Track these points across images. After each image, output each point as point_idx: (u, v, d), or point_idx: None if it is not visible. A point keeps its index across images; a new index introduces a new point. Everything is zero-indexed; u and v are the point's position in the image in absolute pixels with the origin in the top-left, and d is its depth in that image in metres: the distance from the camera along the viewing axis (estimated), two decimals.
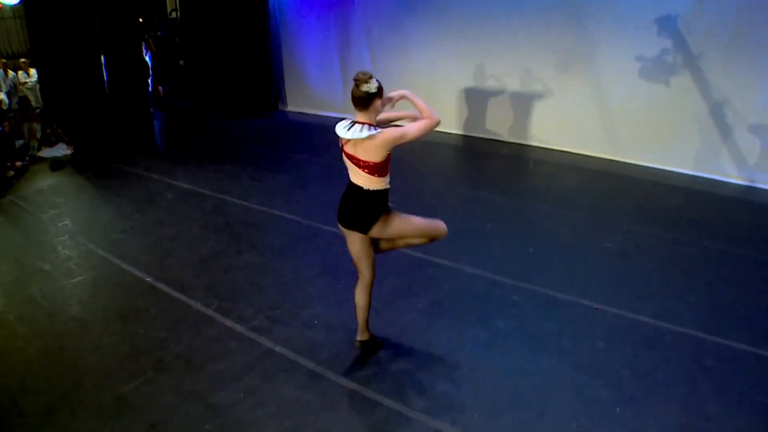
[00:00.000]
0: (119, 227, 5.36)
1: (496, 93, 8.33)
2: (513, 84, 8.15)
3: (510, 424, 3.17)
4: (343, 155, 3.36)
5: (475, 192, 6.48)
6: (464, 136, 8.63)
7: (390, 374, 3.55)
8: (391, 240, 3.61)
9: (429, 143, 8.28)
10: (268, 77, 9.28)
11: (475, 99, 8.48)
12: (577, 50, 7.69)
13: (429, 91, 8.56)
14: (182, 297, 4.27)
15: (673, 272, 4.81)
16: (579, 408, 3.30)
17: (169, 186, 6.32)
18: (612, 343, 3.85)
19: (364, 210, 3.37)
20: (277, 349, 3.74)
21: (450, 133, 8.67)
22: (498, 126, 8.45)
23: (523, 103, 8.21)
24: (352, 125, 3.24)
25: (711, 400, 3.35)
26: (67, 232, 5.33)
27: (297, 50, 9.32)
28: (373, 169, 3.28)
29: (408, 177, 6.85)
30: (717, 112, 6.98)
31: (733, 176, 7.07)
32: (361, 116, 3.27)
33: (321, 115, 9.43)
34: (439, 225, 3.56)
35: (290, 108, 9.74)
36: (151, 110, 9.17)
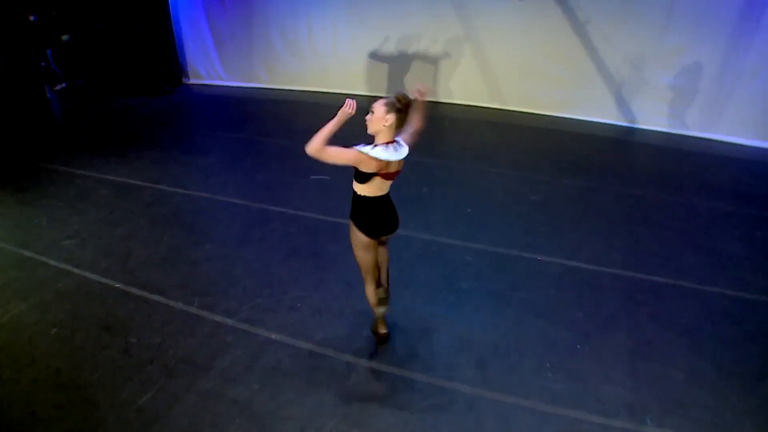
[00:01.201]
0: (63, 233, 5.18)
1: (402, 54, 8.63)
2: (420, 44, 8.46)
3: (498, 373, 3.69)
4: (387, 176, 3.47)
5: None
6: (374, 97, 8.85)
7: (386, 346, 3.95)
8: None
9: (338, 107, 8.48)
10: (169, 48, 8.87)
11: (383, 61, 8.73)
12: (483, 6, 8.12)
13: (334, 55, 8.71)
14: (161, 299, 4.35)
15: (595, 219, 5.54)
16: (547, 350, 3.90)
17: (98, 181, 6.11)
18: (561, 290, 4.49)
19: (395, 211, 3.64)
20: (273, 336, 4.00)
21: (361, 95, 8.90)
22: (407, 85, 8.79)
23: (431, 61, 8.59)
24: (390, 146, 3.39)
25: (647, 327, 4.08)
26: (3, 248, 5.09)
27: (198, 17, 8.96)
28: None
29: (334, 144, 7.08)
30: (619, 63, 7.77)
31: (641, 122, 7.98)
32: (396, 134, 3.41)
33: (228, 86, 9.26)
34: None
35: (194, 81, 9.44)
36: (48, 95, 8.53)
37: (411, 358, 3.84)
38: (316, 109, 8.41)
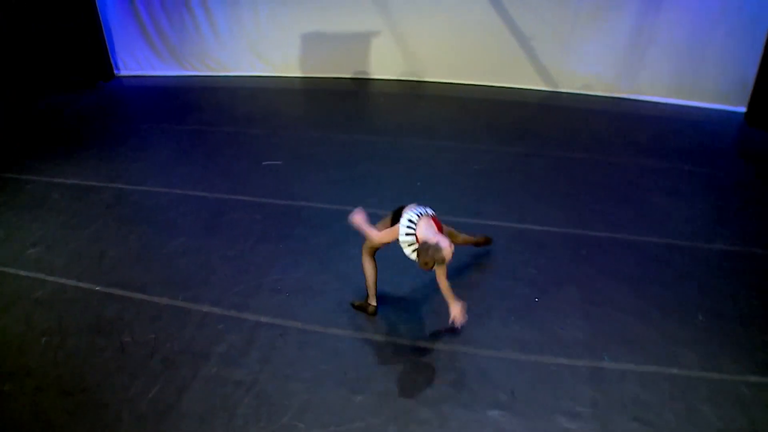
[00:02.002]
0: (26, 242, 5.15)
1: (335, 32, 8.75)
2: (350, 21, 8.59)
3: (479, 332, 4.12)
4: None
5: (347, 135, 7.11)
6: (308, 78, 9.01)
7: (362, 315, 4.29)
8: None
9: (279, 91, 8.61)
10: (98, 41, 8.57)
11: (315, 41, 8.82)
12: None
13: (263, 37, 8.72)
14: (145, 296, 4.49)
15: (536, 183, 6.03)
16: (512, 306, 4.36)
17: (49, 185, 6.02)
18: (515, 251, 4.96)
19: None
20: (263, 319, 4.25)
21: (293, 77, 9.02)
22: (338, 64, 8.97)
23: (362, 38, 8.76)
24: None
25: (595, 278, 4.62)
26: None
27: (125, 6, 8.70)
28: None
29: (277, 129, 7.26)
30: (540, 29, 8.18)
31: (565, 87, 8.49)
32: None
33: (162, 76, 9.11)
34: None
35: (127, 73, 9.20)
36: None
37: (392, 325, 4.20)
38: (254, 93, 8.47)
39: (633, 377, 3.76)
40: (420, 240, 3.70)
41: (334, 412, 3.55)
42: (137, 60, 9.06)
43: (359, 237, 5.03)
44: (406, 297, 4.48)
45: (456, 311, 3.81)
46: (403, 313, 4.32)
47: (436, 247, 3.58)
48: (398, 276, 4.66)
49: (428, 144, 6.92)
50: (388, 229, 3.93)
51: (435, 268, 3.70)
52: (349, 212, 5.45)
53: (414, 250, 3.78)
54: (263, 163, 6.40)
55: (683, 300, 4.40)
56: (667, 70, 7.93)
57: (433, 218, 3.94)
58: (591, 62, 8.17)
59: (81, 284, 4.64)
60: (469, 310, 4.03)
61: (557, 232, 5.20)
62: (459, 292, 4.19)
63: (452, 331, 4.05)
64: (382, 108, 8.27)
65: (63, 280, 4.69)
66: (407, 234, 3.79)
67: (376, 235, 3.94)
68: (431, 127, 7.43)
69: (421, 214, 3.87)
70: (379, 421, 3.50)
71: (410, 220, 3.81)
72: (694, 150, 6.72)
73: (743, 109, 7.46)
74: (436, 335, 4.11)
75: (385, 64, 8.86)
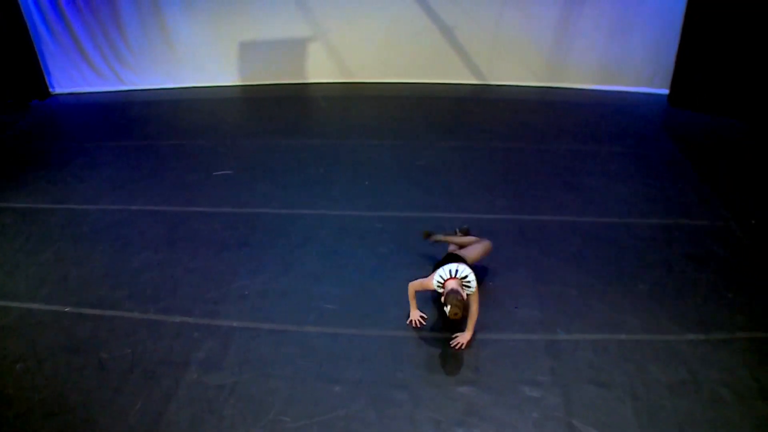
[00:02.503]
0: None
1: (266, 38, 8.83)
2: (282, 26, 8.69)
3: (443, 317, 4.44)
4: None
5: (291, 140, 7.27)
6: (247, 86, 9.07)
7: (330, 311, 4.54)
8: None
9: (219, 101, 8.65)
10: (31, 60, 8.34)
11: (250, 48, 8.89)
12: None
13: (194, 43, 8.70)
14: (116, 312, 4.56)
15: (477, 174, 6.39)
16: None
17: None
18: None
19: None
20: (235, 324, 4.41)
21: (232, 86, 9.05)
22: (276, 70, 9.07)
23: (296, 43, 8.88)
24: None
25: (543, 260, 5.02)
26: None
27: (57, 22, 8.46)
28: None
29: (223, 138, 7.34)
30: (464, 24, 8.53)
31: (494, 79, 8.87)
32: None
33: (98, 92, 8.95)
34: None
35: (62, 90, 8.97)
36: None
37: (360, 319, 4.45)
38: (195, 105, 8.46)
39: (585, 345, 4.16)
40: (446, 291, 4.07)
41: (317, 403, 3.78)
42: (71, 77, 8.86)
43: (318, 238, 5.30)
44: (365, 291, 4.74)
45: (465, 338, 4.17)
46: (364, 307, 4.58)
47: (453, 292, 4.00)
48: (356, 273, 4.93)
49: (371, 143, 7.17)
50: (425, 279, 4.32)
51: (468, 298, 4.13)
52: (303, 215, 5.70)
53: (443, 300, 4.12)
54: (214, 173, 6.49)
55: (624, 272, 4.85)
56: (592, 58, 8.39)
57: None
58: (518, 53, 8.57)
59: (49, 307, 4.65)
60: (426, 296, 4.40)
61: (503, 219, 5.58)
62: (415, 272, 4.57)
63: (419, 326, 4.36)
64: (323, 111, 8.45)
65: (29, 305, 4.68)
66: (437, 286, 4.18)
67: (418, 282, 4.34)
68: (372, 126, 7.68)
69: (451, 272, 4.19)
70: (359, 406, 3.74)
71: (441, 276, 4.16)
72: (623, 132, 7.26)
73: (666, 91, 8.02)
74: (401, 326, 4.38)
75: (321, 68, 9.03)
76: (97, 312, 4.57)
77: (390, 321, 4.43)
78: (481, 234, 5.01)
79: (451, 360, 4.09)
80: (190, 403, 3.79)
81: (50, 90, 8.79)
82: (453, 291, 3.99)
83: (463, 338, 4.17)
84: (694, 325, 4.33)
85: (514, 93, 8.60)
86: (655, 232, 5.37)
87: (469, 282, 4.11)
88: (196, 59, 8.86)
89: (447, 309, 3.97)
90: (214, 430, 3.61)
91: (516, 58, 8.63)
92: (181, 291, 4.76)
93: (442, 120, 7.82)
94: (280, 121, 7.91)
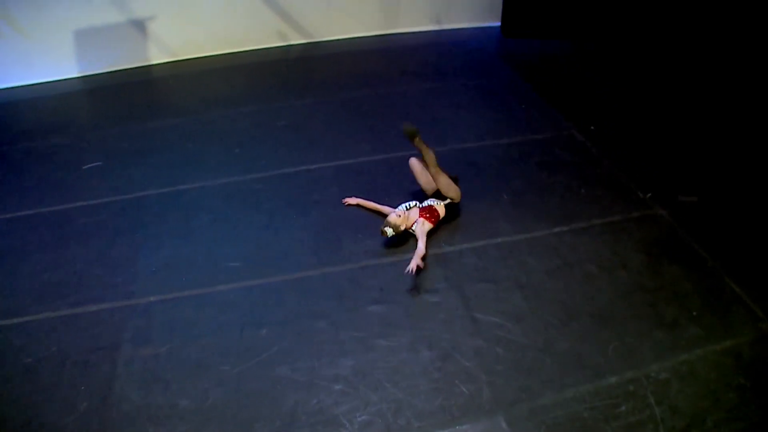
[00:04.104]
0: None
1: (98, 24, 8.36)
2: (109, 10, 8.28)
3: (337, 254, 4.89)
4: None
5: (151, 123, 7.09)
6: (88, 77, 8.53)
7: (237, 268, 4.78)
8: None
9: (60, 96, 8.12)
10: None
11: (84, 35, 8.36)
12: None
13: (22, 38, 8.05)
14: (25, 318, 4.40)
15: (338, 125, 6.79)
16: (359, 224, 5.16)
17: None
18: (342, 185, 5.71)
19: None
20: (152, 299, 4.46)
21: (71, 78, 8.50)
22: (115, 55, 8.61)
23: (128, 26, 8.50)
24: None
25: (416, 188, 5.56)
26: None
27: None
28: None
29: (78, 132, 7.03)
30: None
31: (322, 36, 9.08)
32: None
33: None
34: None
35: None
36: None
37: (266, 269, 4.76)
38: (34, 103, 7.86)
39: (469, 253, 4.82)
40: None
41: (249, 348, 4.07)
42: None
43: (207, 208, 5.45)
44: (262, 245, 5.04)
45: (413, 263, 4.44)
46: (270, 257, 4.89)
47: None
48: (252, 231, 5.20)
49: (231, 113, 7.25)
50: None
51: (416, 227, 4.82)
52: (186, 190, 5.76)
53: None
54: (83, 167, 6.26)
55: (489, 187, 5.55)
56: (424, 1, 8.87)
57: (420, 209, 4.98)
58: (347, 7, 8.80)
59: None
60: (322, 236, 4.88)
61: (371, 161, 6.07)
62: (303, 220, 5.07)
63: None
64: (174, 90, 8.29)
65: None
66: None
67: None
68: (227, 97, 7.72)
69: (408, 206, 4.99)
70: (289, 341, 4.11)
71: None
72: (464, 67, 7.95)
73: (498, 23, 8.78)
74: (303, 266, 4.76)
75: (159, 48, 8.75)
76: (4, 322, 4.40)
77: (292, 265, 4.78)
78: (352, 175, 5.44)
79: (356, 287, 4.55)
80: (133, 376, 3.90)
81: None
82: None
83: (411, 263, 4.42)
84: (558, 219, 5.13)
85: (350, 45, 8.96)
86: (510, 150, 6.16)
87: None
88: (26, 55, 8.15)
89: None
90: (165, 394, 3.79)
91: (346, 11, 8.88)
92: (87, 283, 4.72)
93: (291, 81, 8.04)
94: (134, 107, 7.65)
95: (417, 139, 5.06)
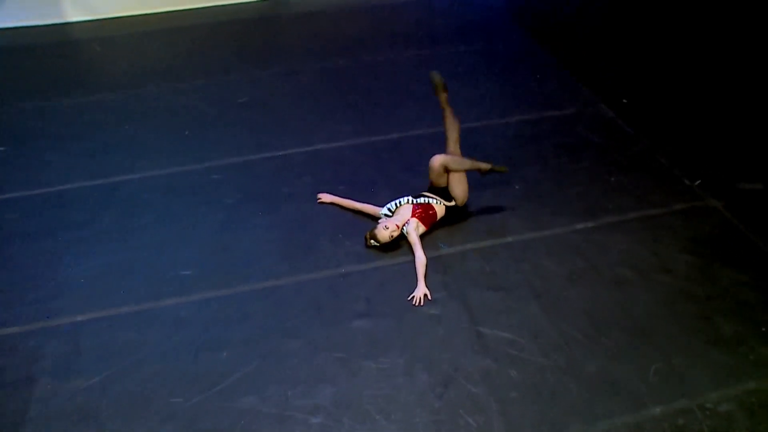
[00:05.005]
0: None
1: None
2: None
3: (310, 258, 4.89)
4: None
5: (71, 99, 7.12)
6: None
7: (189, 277, 4.77)
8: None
9: None
10: None
11: None
12: None
13: None
14: None
15: (310, 102, 6.84)
16: (335, 224, 5.19)
17: None
18: (315, 174, 5.74)
19: None
20: (79, 318, 4.41)
21: None
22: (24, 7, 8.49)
23: None
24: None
25: (403, 178, 5.62)
26: None
27: None
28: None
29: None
30: None
31: None
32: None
33: None
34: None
35: None
36: None
37: (226, 277, 4.75)
38: None
39: (473, 255, 4.84)
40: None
41: (205, 375, 4.03)
42: None
43: (149, 203, 5.43)
44: (214, 245, 5.05)
45: (420, 292, 4.53)
46: (231, 263, 4.89)
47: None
48: (218, 234, 5.19)
49: (177, 87, 7.24)
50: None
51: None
52: (122, 182, 5.67)
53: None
54: None
55: (495, 175, 5.47)
56: None
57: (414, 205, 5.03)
58: None
59: None
60: (294, 237, 4.90)
61: (352, 145, 6.10)
62: (270, 218, 5.08)
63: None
64: (102, 56, 8.21)
65: None
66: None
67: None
68: (172, 67, 7.71)
69: (398, 204, 5.05)
70: (254, 366, 4.07)
71: (389, 209, 5.04)
72: (465, 28, 7.97)
73: None
74: (271, 274, 4.75)
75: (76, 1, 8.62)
76: None
77: (258, 273, 4.77)
78: (329, 165, 5.49)
79: (337, 298, 4.54)
80: (52, 417, 3.79)
81: None
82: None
83: (418, 292, 4.51)
84: (582, 213, 5.17)
85: (326, 2, 8.95)
86: (521, 129, 6.20)
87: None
88: None
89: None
90: None
91: None
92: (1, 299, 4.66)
93: (251, 46, 8.04)
94: (51, 76, 7.58)
95: (444, 96, 5.15)
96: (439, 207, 5.05)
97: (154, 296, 4.62)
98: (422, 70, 7.17)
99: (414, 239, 4.78)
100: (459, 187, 5.03)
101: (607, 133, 6.13)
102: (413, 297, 4.46)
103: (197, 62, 7.75)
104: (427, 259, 4.71)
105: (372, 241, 4.86)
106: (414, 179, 5.52)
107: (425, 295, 4.47)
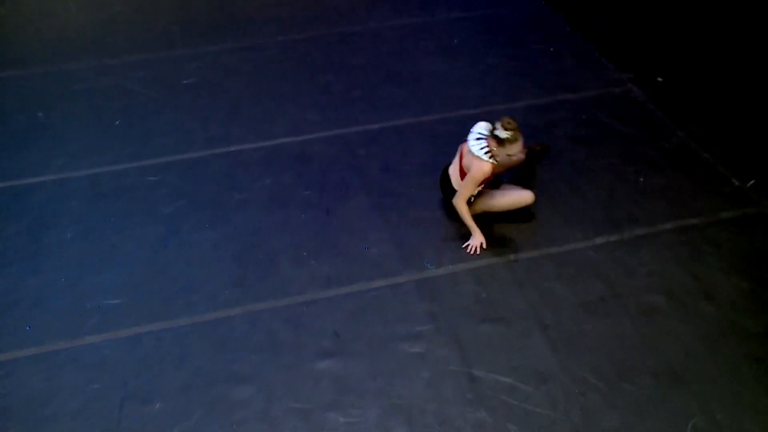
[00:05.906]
0: None
1: None
2: None
3: (268, 282, 4.86)
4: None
5: None
6: None
7: (116, 307, 4.72)
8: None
9: None
10: None
11: None
12: None
13: None
14: None
15: (270, 84, 6.88)
16: (296, 242, 5.15)
17: None
18: (276, 173, 5.74)
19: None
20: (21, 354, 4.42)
21: None
22: None
23: None
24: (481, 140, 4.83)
25: (385, 178, 5.59)
26: None
27: None
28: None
29: None
30: None
31: None
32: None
33: None
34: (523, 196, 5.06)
35: None
36: None
37: (162, 307, 4.71)
38: None
39: (466, 277, 4.82)
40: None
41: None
42: None
43: (68, 212, 5.42)
44: (166, 269, 5.01)
45: (476, 240, 4.90)
46: (168, 289, 4.85)
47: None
48: (153, 252, 5.17)
49: (106, 65, 7.20)
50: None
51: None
52: (34, 185, 5.67)
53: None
54: None
55: (496, 175, 5.46)
56: None
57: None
58: None
59: None
60: (248, 255, 4.92)
61: (322, 138, 6.08)
62: (219, 230, 5.15)
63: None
64: (7, 22, 8.09)
65: None
66: (481, 148, 4.83)
67: (464, 191, 4.92)
68: (99, 38, 7.65)
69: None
70: (194, 421, 4.05)
71: (477, 139, 4.87)
72: None
73: None
74: (219, 304, 4.73)
75: None
76: None
77: (202, 301, 4.75)
78: (293, 162, 5.53)
79: (298, 332, 4.52)
80: None
81: None
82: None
83: (474, 241, 4.83)
84: (602, 224, 5.14)
85: None
86: (530, 116, 6.15)
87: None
88: None
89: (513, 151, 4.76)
90: None
91: None
92: None
93: (199, 15, 8.00)
94: None
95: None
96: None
97: (69, 333, 4.57)
98: (406, 43, 7.20)
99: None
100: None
101: (637, 121, 6.12)
102: (468, 245, 4.79)
103: (132, 32, 7.70)
104: (409, 282, 4.78)
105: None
106: (395, 181, 5.52)
107: (481, 244, 4.82)
